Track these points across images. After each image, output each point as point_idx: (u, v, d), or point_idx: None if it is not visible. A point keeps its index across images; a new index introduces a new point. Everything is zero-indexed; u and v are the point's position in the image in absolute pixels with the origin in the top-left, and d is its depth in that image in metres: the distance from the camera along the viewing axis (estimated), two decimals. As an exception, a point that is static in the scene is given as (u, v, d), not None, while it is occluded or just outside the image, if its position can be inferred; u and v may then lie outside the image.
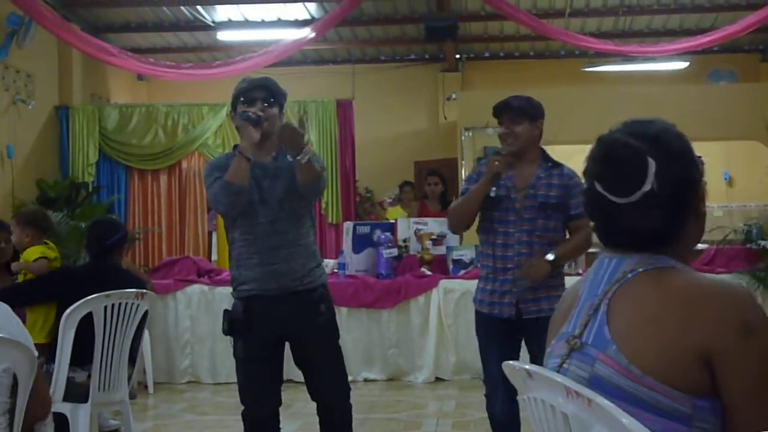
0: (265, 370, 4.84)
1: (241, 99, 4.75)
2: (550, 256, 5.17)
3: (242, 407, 4.90)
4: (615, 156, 2.24)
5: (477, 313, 5.35)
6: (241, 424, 4.91)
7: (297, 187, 4.62)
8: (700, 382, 2.01)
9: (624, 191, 2.20)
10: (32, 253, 6.12)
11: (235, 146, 4.67)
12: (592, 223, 2.38)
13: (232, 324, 4.81)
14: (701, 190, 2.28)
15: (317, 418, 4.95)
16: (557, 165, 5.31)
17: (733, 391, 2.00)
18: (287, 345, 4.90)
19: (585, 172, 2.32)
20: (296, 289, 4.73)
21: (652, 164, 2.19)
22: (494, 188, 5.17)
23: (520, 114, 5.25)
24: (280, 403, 4.91)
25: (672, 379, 2.02)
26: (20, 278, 6.19)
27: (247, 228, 4.71)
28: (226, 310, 4.88)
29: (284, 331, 4.80)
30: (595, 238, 2.39)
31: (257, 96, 4.72)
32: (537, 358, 5.02)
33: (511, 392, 5.25)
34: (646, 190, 2.18)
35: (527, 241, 5.18)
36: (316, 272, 4.84)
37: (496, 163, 5.13)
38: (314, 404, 4.93)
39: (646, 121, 2.32)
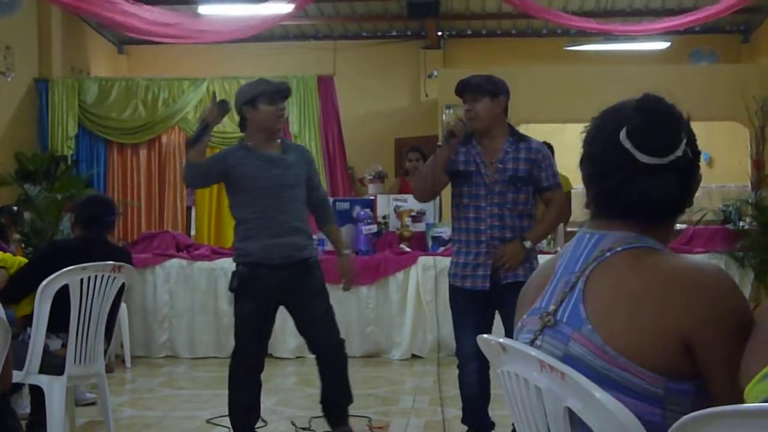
0: (262, 325, 5.59)
1: (265, 99, 5.48)
2: (527, 244, 5.39)
3: (234, 352, 5.67)
4: (659, 112, 2.21)
5: (451, 286, 5.52)
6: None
7: (302, 177, 5.58)
8: (675, 364, 2.00)
9: (660, 151, 2.15)
10: None
11: (242, 141, 5.60)
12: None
13: (241, 281, 5.49)
14: (699, 180, 2.28)
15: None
16: (523, 138, 5.49)
17: (716, 379, 1.98)
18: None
19: (601, 128, 2.24)
20: (295, 258, 5.51)
21: (684, 134, 2.20)
22: (445, 141, 5.41)
23: (480, 91, 5.45)
24: (266, 353, 5.75)
25: (647, 360, 2.00)
26: None
27: (258, 209, 5.45)
28: (234, 271, 5.57)
29: (283, 294, 5.54)
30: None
31: (279, 97, 5.55)
32: (510, 326, 5.17)
33: (483, 364, 5.47)
34: (679, 155, 2.16)
35: (498, 215, 5.38)
36: (310, 247, 5.68)
37: (451, 122, 5.41)
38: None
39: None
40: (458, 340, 5.56)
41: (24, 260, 6.09)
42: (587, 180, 2.28)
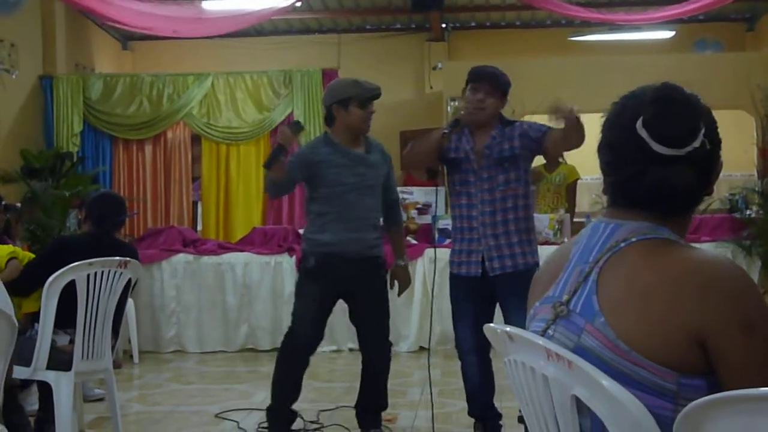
0: (322, 311, 5.75)
1: (359, 102, 5.67)
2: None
3: (288, 331, 5.83)
4: (676, 102, 2.17)
5: (450, 275, 5.57)
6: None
7: (381, 178, 5.80)
8: (688, 360, 1.98)
9: (676, 142, 2.12)
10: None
11: (326, 134, 5.88)
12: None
13: (318, 262, 5.67)
14: (719, 171, 2.24)
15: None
16: (510, 123, 5.48)
17: (728, 376, 1.96)
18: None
19: (620, 115, 2.21)
20: (366, 254, 5.71)
21: (703, 123, 2.15)
22: (446, 130, 5.40)
23: (497, 85, 5.46)
24: (321, 338, 5.86)
25: (659, 355, 1.98)
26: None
27: (340, 203, 5.65)
28: (306, 254, 5.78)
29: (348, 287, 5.74)
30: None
31: (371, 102, 5.74)
32: (509, 313, 5.20)
33: (483, 356, 5.47)
34: (696, 147, 2.12)
35: (489, 200, 5.40)
36: (381, 245, 5.85)
37: (462, 112, 5.41)
38: None
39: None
40: (457, 332, 5.58)
41: (32, 255, 6.11)
42: (604, 167, 2.26)
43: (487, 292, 5.40)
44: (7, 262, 5.86)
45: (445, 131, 5.38)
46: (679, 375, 1.98)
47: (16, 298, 5.74)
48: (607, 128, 2.25)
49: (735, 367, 1.96)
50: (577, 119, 5.00)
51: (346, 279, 5.69)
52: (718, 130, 2.23)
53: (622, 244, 2.14)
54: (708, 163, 2.18)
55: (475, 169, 5.39)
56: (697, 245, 2.04)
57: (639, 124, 2.14)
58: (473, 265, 5.41)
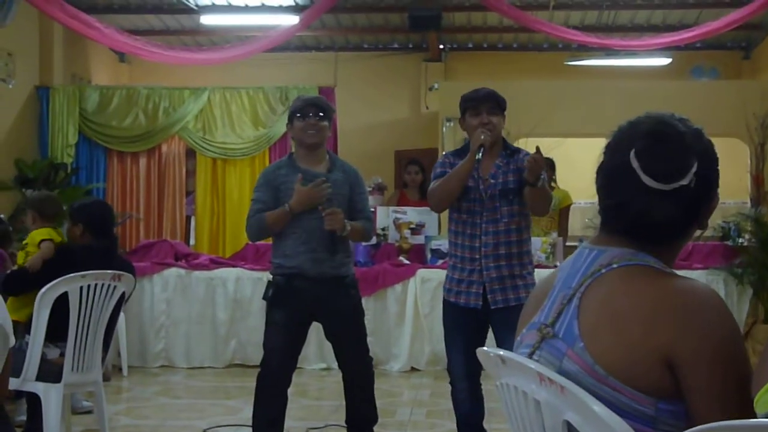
0: (293, 337, 5.59)
1: (297, 115, 5.58)
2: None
3: (261, 362, 5.64)
4: (669, 138, 2.19)
5: (444, 301, 5.48)
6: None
7: (344, 197, 5.57)
8: (662, 385, 2.00)
9: (663, 178, 2.14)
10: (37, 235, 6.06)
11: (291, 155, 5.73)
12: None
13: (276, 290, 5.54)
14: (713, 207, 2.25)
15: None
16: (516, 151, 5.44)
17: (694, 403, 1.98)
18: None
19: (618, 142, 2.24)
20: (332, 274, 5.53)
21: (695, 162, 2.16)
22: (479, 155, 5.23)
23: (497, 105, 5.41)
24: (294, 367, 5.68)
25: (635, 380, 2.00)
26: (20, 258, 6.14)
27: (298, 225, 5.49)
28: (270, 281, 5.64)
29: (317, 308, 5.57)
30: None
31: (310, 111, 5.57)
32: (504, 345, 5.12)
33: (474, 382, 5.43)
34: (683, 184, 2.14)
35: (494, 231, 5.32)
36: (348, 265, 5.69)
37: (482, 137, 5.24)
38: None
39: (685, 118, 2.27)
40: (449, 358, 5.52)
41: (64, 240, 6.13)
42: (598, 190, 2.29)
43: (482, 321, 5.36)
44: (40, 243, 5.93)
45: (478, 156, 5.27)
46: (657, 400, 2.00)
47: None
48: (605, 153, 2.29)
49: (700, 395, 1.98)
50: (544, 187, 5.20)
51: (313, 301, 5.52)
52: (717, 168, 2.24)
53: (604, 270, 2.17)
54: (696, 200, 2.19)
55: (483, 199, 5.33)
56: (688, 272, 2.05)
57: (632, 153, 2.17)
58: (473, 296, 5.33)
